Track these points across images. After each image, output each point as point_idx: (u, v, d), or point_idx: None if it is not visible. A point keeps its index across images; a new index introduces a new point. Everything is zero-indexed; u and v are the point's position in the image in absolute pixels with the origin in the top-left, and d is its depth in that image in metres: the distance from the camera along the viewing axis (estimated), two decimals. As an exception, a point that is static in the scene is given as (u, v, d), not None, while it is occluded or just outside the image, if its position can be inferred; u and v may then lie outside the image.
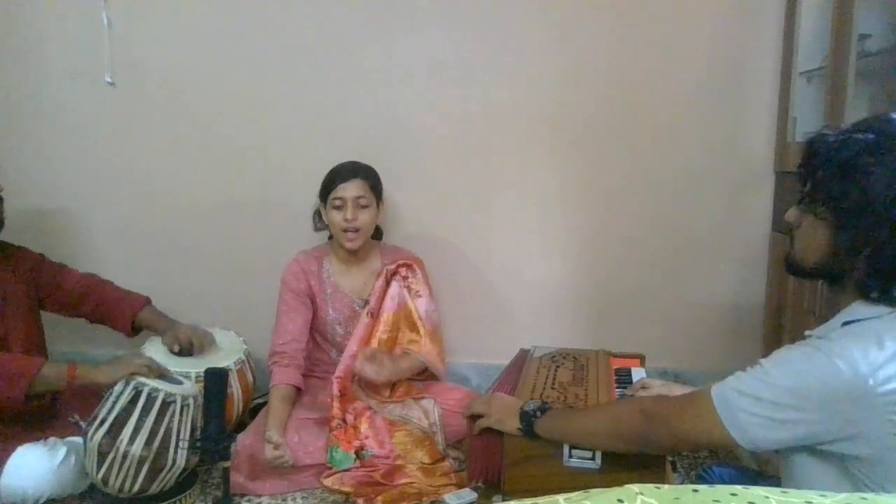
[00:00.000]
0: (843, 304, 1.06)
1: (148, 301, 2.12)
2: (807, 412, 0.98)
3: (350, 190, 2.01)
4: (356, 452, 1.88)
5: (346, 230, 2.01)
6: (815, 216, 1.06)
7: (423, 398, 2.00)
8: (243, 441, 1.83)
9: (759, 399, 1.01)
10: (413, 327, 2.05)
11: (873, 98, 2.01)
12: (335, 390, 1.96)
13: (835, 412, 0.96)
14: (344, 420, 1.93)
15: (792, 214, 1.12)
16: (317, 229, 2.17)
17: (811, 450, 1.02)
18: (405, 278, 2.09)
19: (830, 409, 0.96)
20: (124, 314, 2.07)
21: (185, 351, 2.02)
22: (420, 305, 2.07)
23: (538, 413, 1.42)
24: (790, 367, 1.00)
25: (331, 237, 2.16)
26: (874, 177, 0.98)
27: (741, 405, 1.03)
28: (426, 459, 1.91)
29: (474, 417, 1.57)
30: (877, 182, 0.98)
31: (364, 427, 1.93)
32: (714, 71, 2.28)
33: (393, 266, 2.09)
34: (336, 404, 1.94)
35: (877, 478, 0.97)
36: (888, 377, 0.93)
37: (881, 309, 1.01)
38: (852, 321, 1.02)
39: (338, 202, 2.01)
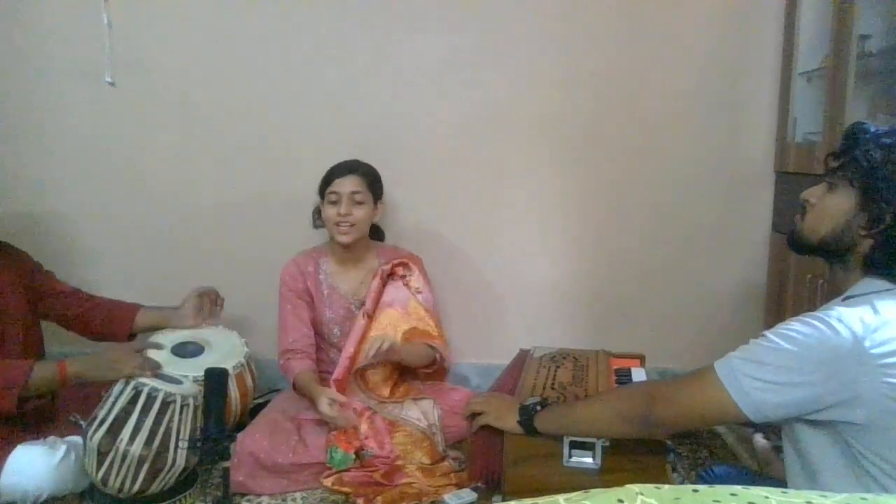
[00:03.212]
0: (847, 286, 1.12)
1: (140, 306, 2.11)
2: (808, 374, 1.02)
3: (345, 185, 2.02)
4: (356, 453, 1.88)
5: (338, 224, 2.02)
6: (846, 181, 1.11)
7: (422, 399, 2.00)
8: (243, 440, 1.83)
9: (762, 364, 1.05)
10: (423, 321, 2.04)
11: (873, 98, 2.01)
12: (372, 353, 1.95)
13: (834, 373, 1.00)
14: (344, 419, 1.93)
15: (813, 191, 1.17)
16: (315, 226, 2.17)
17: (810, 421, 1.06)
18: (403, 277, 2.09)
19: (830, 369, 1.00)
20: (122, 321, 2.06)
21: (186, 347, 2.02)
22: (422, 301, 2.07)
23: (538, 407, 1.42)
24: (792, 332, 1.04)
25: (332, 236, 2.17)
26: None
27: (745, 371, 1.06)
28: (426, 460, 1.91)
29: (474, 416, 1.57)
30: None
31: (364, 427, 1.93)
32: (714, 71, 2.28)
33: (388, 266, 2.09)
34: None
35: (871, 445, 1.02)
36: (882, 340, 0.99)
37: (883, 284, 1.07)
38: (854, 296, 1.08)
39: (333, 196, 2.02)
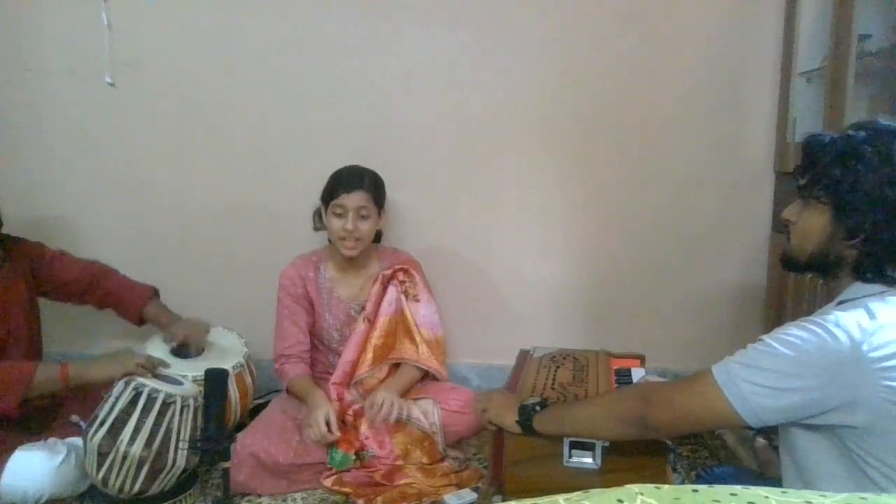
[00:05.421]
0: (840, 291, 1.13)
1: (155, 293, 2.12)
2: (806, 379, 1.02)
3: (352, 200, 1.98)
4: (356, 453, 1.89)
5: (344, 238, 2.01)
6: (816, 200, 1.13)
7: (422, 398, 2.00)
8: (244, 440, 1.83)
9: (760, 369, 1.05)
10: (409, 335, 2.04)
11: (873, 98, 2.01)
12: (333, 395, 1.96)
13: (832, 377, 1.00)
14: (343, 421, 1.93)
15: (790, 210, 1.19)
16: (316, 229, 2.16)
17: (808, 426, 1.07)
18: (402, 283, 2.08)
19: (829, 374, 1.01)
20: (133, 305, 2.07)
21: (185, 348, 2.02)
22: (418, 310, 2.06)
23: (537, 408, 1.43)
24: (791, 337, 1.04)
25: (331, 240, 2.17)
26: (868, 160, 1.07)
27: (744, 376, 1.06)
28: (426, 460, 1.91)
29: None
30: (870, 165, 1.06)
31: (364, 428, 1.94)
32: (714, 71, 2.28)
33: (390, 271, 2.08)
34: (336, 403, 1.94)
35: (871, 448, 1.02)
36: (880, 344, 0.99)
37: (876, 287, 1.08)
38: (847, 300, 1.09)
39: (339, 210, 1.99)
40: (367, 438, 1.92)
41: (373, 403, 1.90)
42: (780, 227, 1.21)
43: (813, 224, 1.14)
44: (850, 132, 1.11)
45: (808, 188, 1.14)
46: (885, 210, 1.06)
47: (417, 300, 2.08)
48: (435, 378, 2.09)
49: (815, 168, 1.13)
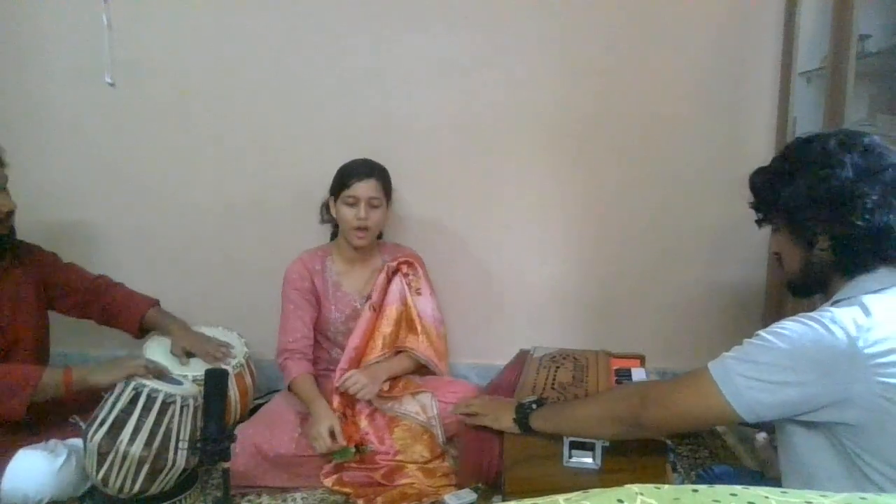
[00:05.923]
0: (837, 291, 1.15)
1: (156, 303, 2.12)
2: (802, 373, 1.02)
3: (365, 189, 2.01)
4: (356, 446, 1.89)
5: (356, 228, 2.02)
6: (778, 227, 1.20)
7: (420, 392, 2.01)
8: (246, 430, 1.83)
9: (757, 363, 1.06)
10: (411, 326, 2.06)
11: (873, 98, 2.01)
12: (338, 382, 1.96)
13: (828, 372, 1.01)
14: (344, 414, 1.94)
15: (773, 240, 1.25)
16: (322, 221, 2.18)
17: (804, 424, 1.07)
18: (406, 275, 2.11)
19: (824, 369, 1.01)
20: (132, 315, 2.07)
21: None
22: (420, 303, 2.09)
23: (534, 406, 1.43)
24: (787, 332, 1.05)
25: (334, 236, 2.17)
26: (788, 174, 1.15)
27: (740, 370, 1.07)
28: (426, 454, 1.92)
29: (467, 416, 1.58)
30: (792, 177, 1.14)
31: (364, 423, 1.94)
32: (714, 71, 2.28)
33: (394, 263, 2.10)
34: (337, 397, 1.95)
35: (866, 445, 1.02)
36: (875, 340, 1.00)
37: (870, 285, 1.09)
38: (842, 298, 1.10)
39: (351, 199, 2.01)
40: (367, 434, 1.93)
41: (346, 379, 1.93)
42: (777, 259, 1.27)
43: (788, 246, 1.18)
44: (774, 158, 1.21)
45: (765, 219, 1.23)
46: (828, 209, 1.09)
47: (420, 293, 2.10)
48: (433, 373, 2.10)
49: (758, 200, 1.23)
